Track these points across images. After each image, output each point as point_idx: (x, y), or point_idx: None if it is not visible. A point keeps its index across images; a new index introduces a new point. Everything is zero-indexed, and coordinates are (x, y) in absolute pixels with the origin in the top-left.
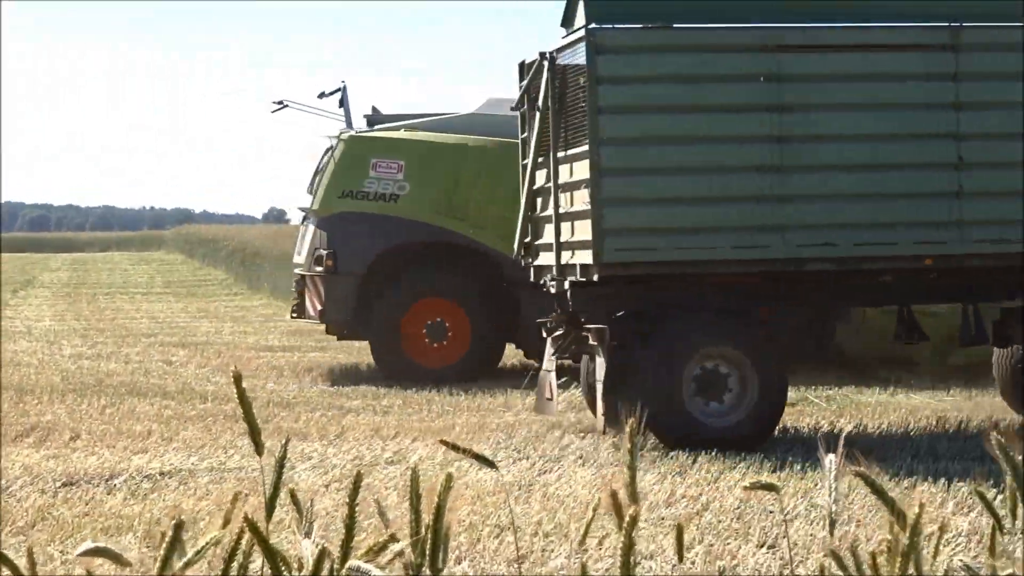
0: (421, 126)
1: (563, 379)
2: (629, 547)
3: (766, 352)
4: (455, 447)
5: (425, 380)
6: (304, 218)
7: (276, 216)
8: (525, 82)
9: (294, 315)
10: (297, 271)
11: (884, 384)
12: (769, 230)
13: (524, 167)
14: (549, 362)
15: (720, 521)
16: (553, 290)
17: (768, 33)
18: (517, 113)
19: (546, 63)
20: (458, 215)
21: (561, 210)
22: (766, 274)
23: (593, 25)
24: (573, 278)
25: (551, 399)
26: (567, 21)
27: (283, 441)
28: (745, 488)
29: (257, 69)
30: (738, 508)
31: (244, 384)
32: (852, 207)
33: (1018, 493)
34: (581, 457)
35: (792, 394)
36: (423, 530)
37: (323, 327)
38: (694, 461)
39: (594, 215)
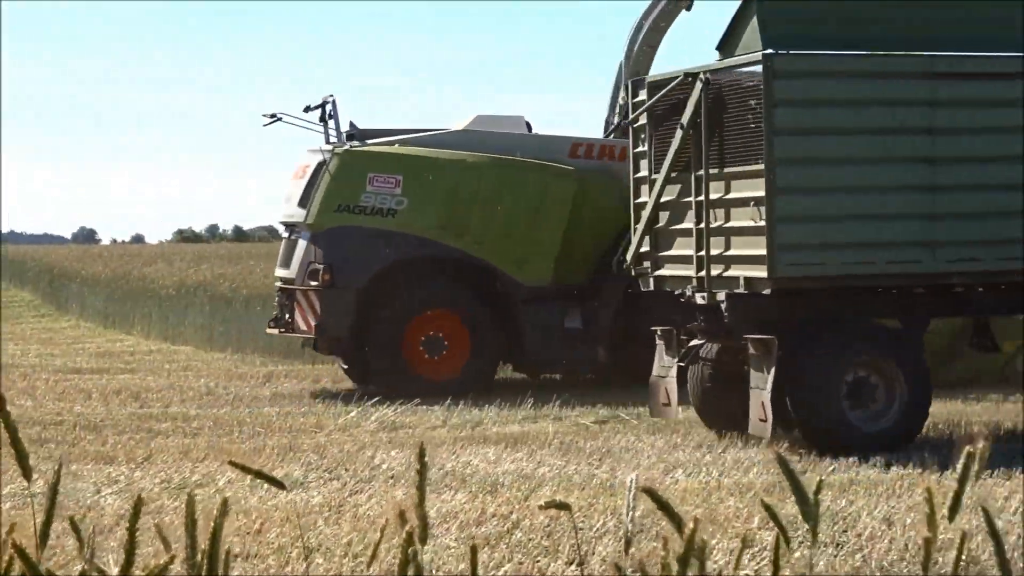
0: (412, 142)
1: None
2: (405, 564)
3: (915, 360)
4: (243, 468)
5: (426, 394)
6: (291, 232)
7: (85, 236)
8: (647, 100)
9: (272, 327)
10: (279, 284)
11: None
12: (921, 246)
13: (635, 181)
14: (663, 368)
15: (530, 539)
16: (701, 301)
17: (925, 60)
18: (506, 131)
19: (700, 83)
20: (457, 230)
21: (713, 225)
22: (917, 287)
23: (770, 51)
24: (729, 291)
25: (669, 404)
26: (725, 46)
27: (56, 467)
28: (540, 506)
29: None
30: (548, 526)
31: (50, 407)
32: (997, 224)
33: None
34: (392, 477)
35: (603, 411)
36: (199, 555)
37: (302, 338)
38: (499, 484)
39: (768, 231)
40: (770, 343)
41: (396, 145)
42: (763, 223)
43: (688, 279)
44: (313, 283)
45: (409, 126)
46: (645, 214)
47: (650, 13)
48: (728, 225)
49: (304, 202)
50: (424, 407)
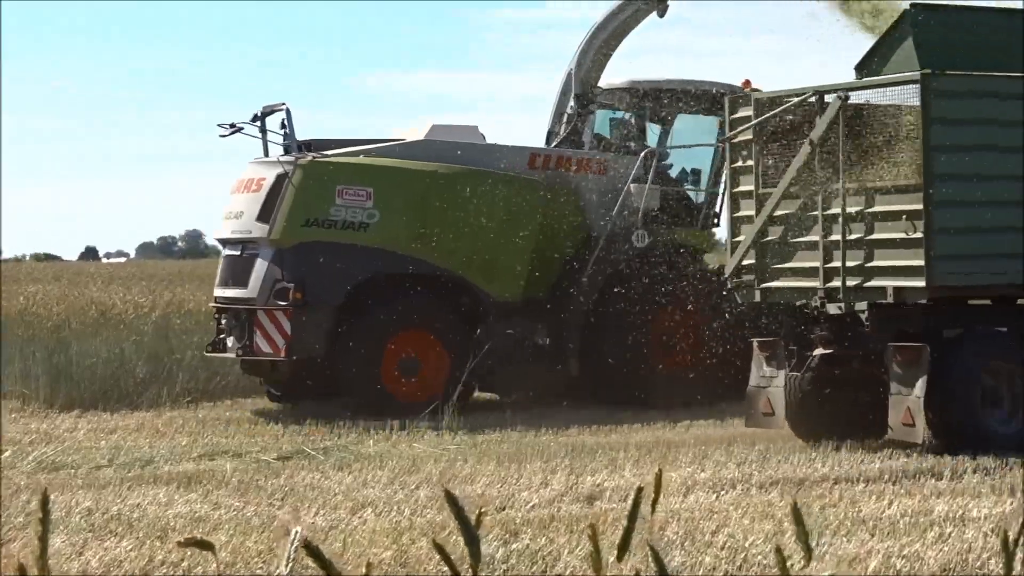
0: (371, 152)
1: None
2: None
3: None
4: None
5: (404, 414)
6: (243, 248)
7: None
8: (754, 116)
9: (211, 351)
10: (219, 304)
11: (389, 430)
12: None
13: (734, 196)
14: (764, 378)
15: None
16: (836, 311)
17: None
18: (465, 140)
19: (838, 101)
20: (430, 244)
21: (851, 237)
22: None
23: (928, 71)
24: (871, 301)
25: (772, 414)
26: (865, 66)
27: None
28: (179, 544)
29: None
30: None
31: None
32: None
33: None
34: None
35: (287, 445)
36: None
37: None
38: (170, 528)
39: (926, 243)
40: (921, 351)
41: (361, 156)
42: (918, 235)
43: (809, 290)
44: (281, 302)
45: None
46: (752, 228)
47: (615, 17)
48: (871, 237)
49: (265, 216)
50: (89, 445)
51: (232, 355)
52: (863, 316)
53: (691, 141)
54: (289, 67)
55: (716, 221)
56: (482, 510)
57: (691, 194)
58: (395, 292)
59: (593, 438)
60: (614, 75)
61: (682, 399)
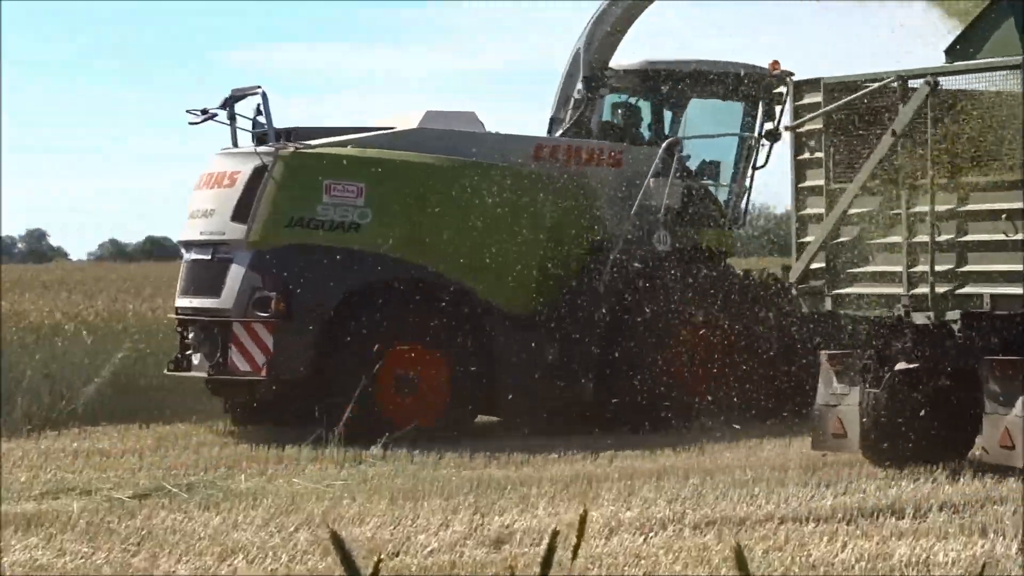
0: (360, 142)
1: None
2: None
3: None
4: None
5: (402, 440)
6: (213, 252)
7: None
8: (824, 102)
9: (172, 369)
10: (181, 316)
11: (264, 466)
12: None
13: (800, 192)
14: (835, 396)
15: None
16: (924, 321)
17: None
18: (463, 129)
19: (927, 87)
20: (429, 248)
21: (940, 238)
22: None
23: None
24: (965, 310)
25: (844, 435)
26: (956, 50)
27: None
28: None
29: None
30: None
31: None
32: None
33: None
34: None
35: (144, 480)
36: None
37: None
38: None
39: None
40: (1021, 365)
41: (349, 147)
42: (1018, 237)
43: (891, 298)
44: (262, 314)
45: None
46: (822, 228)
47: None
48: (964, 239)
49: (241, 215)
50: None
51: (200, 374)
52: (955, 327)
53: (710, 129)
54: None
55: (742, 220)
56: (380, 557)
57: (712, 190)
58: (390, 302)
59: (502, 471)
60: (626, 56)
61: (717, 422)
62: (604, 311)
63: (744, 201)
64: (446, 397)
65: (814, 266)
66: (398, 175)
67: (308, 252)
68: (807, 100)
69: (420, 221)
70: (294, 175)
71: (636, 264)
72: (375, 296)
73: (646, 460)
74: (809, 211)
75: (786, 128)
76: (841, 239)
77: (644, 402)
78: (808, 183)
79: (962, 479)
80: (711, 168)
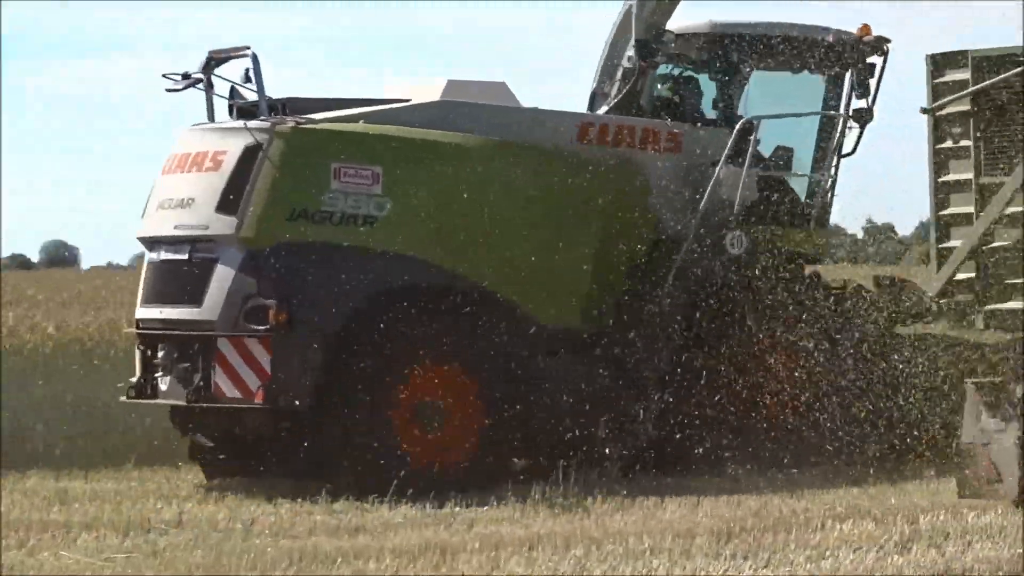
0: (372, 117)
1: None
2: None
3: None
4: None
5: (426, 487)
6: (191, 250)
7: None
8: (973, 80)
9: (133, 396)
10: (141, 330)
11: (25, 534)
12: None
13: (940, 187)
14: (984, 433)
15: None
16: None
17: None
18: (493, 103)
19: None
20: (458, 246)
21: None
22: None
23: None
24: None
25: (998, 479)
26: None
27: None
28: None
29: None
30: None
31: None
32: None
33: None
34: None
35: None
36: None
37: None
38: None
39: None
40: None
41: (360, 122)
42: None
43: None
44: (257, 327)
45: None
46: (972, 231)
47: None
48: None
49: (230, 206)
50: None
51: (174, 401)
52: None
53: (784, 107)
54: None
55: (827, 218)
56: None
57: (788, 182)
58: (415, 315)
59: (331, 540)
60: (687, 17)
61: (807, 461)
62: (668, 330)
63: (830, 195)
64: (477, 434)
65: (960, 276)
66: (424, 157)
67: (313, 251)
68: (949, 77)
69: (450, 214)
70: (296, 156)
71: (707, 272)
72: (395, 306)
73: (515, 525)
74: (953, 211)
75: (923, 111)
76: (996, 243)
77: (720, 439)
78: (951, 177)
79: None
80: (784, 155)
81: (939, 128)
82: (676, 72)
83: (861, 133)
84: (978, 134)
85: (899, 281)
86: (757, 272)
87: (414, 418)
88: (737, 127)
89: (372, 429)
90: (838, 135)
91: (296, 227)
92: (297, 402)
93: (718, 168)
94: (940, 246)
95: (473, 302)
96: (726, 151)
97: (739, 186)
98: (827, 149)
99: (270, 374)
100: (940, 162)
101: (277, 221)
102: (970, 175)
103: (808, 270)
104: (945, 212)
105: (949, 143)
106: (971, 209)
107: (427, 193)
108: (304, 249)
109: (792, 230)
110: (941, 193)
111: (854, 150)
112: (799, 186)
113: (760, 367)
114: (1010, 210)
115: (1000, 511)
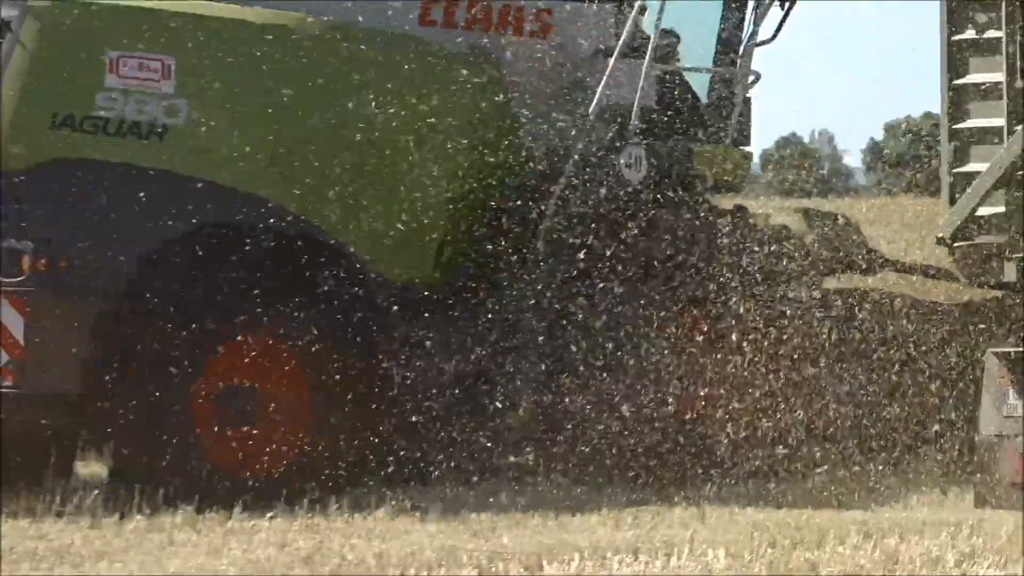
0: None
1: None
2: None
3: None
4: None
5: (226, 497)
6: None
7: None
8: None
9: None
10: None
11: None
12: None
13: (956, 92)
14: (1011, 421)
15: None
16: None
17: None
18: None
19: None
20: (279, 170)
21: None
22: None
23: None
24: None
25: None
26: None
27: None
28: None
29: None
30: None
31: None
32: None
33: None
34: None
35: None
36: None
37: None
38: None
39: None
40: None
41: None
42: None
43: None
44: (6, 279)
45: None
46: (1001, 156)
47: None
48: None
49: None
50: None
51: None
52: None
53: None
54: None
55: (750, 131)
56: None
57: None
58: (224, 268)
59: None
60: None
61: (732, 469)
62: (550, 289)
63: (744, 98)
64: (305, 427)
65: (984, 212)
66: (229, 42)
67: (84, 173)
68: None
69: (266, 124)
70: (58, 41)
71: (598, 205)
72: (195, 254)
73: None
74: (974, 123)
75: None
76: None
77: (614, 438)
78: (971, 79)
79: None
80: (669, 44)
81: (956, 14)
82: None
83: (788, 11)
84: (1013, 24)
85: (837, 219)
86: (663, 204)
87: (220, 407)
88: (636, 7)
89: (164, 422)
90: (752, 15)
91: (59, 140)
92: (63, 386)
93: (612, 60)
94: (956, 171)
95: (298, 248)
96: (623, 37)
97: (638, 86)
98: (735, 36)
99: (25, 346)
100: (956, 59)
101: (33, 132)
102: (999, 76)
103: (725, 202)
104: (962, 125)
105: (970, 33)
106: (1000, 121)
107: (235, 94)
108: (70, 170)
109: (707, 147)
110: (957, 100)
111: (775, 36)
112: (700, 87)
113: (670, 338)
114: None
115: None
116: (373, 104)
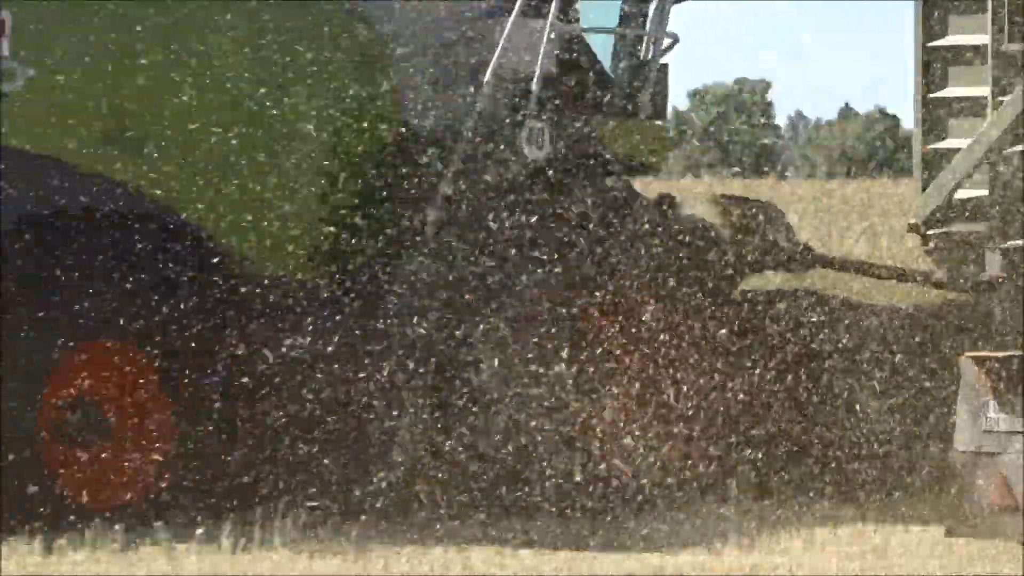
0: None
1: None
2: None
3: None
4: None
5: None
6: None
7: None
8: None
9: None
10: None
11: None
12: None
13: (931, 55)
14: (991, 435)
15: None
16: None
17: None
18: None
19: None
20: (132, 147)
21: None
22: None
23: None
24: None
25: (1016, 506)
26: None
27: None
28: None
29: None
30: None
31: None
32: None
33: None
34: None
35: None
36: None
37: None
38: None
39: None
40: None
41: None
42: None
43: None
44: None
45: None
46: (986, 132)
47: None
48: None
49: None
50: None
51: None
52: None
53: None
54: None
55: (666, 103)
56: None
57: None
58: (59, 257)
59: None
60: None
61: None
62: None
63: (658, 62)
64: (169, 447)
65: (962, 195)
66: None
67: None
68: None
69: (127, 95)
70: None
71: (495, 189)
72: (32, 244)
73: None
74: (950, 92)
75: None
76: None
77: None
78: (949, 40)
79: None
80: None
81: None
82: None
83: None
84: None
85: (759, 207)
86: (572, 188)
87: (66, 426)
88: None
89: (15, 443)
90: None
91: None
92: None
93: (510, 19)
94: (930, 147)
95: (156, 239)
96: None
97: (540, 50)
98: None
99: None
100: (931, 17)
101: None
102: (984, 39)
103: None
104: (939, 95)
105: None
106: (984, 90)
107: (86, 55)
108: None
109: (622, 122)
110: (932, 66)
111: None
112: (603, 52)
113: (583, 344)
114: None
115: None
116: (235, 74)
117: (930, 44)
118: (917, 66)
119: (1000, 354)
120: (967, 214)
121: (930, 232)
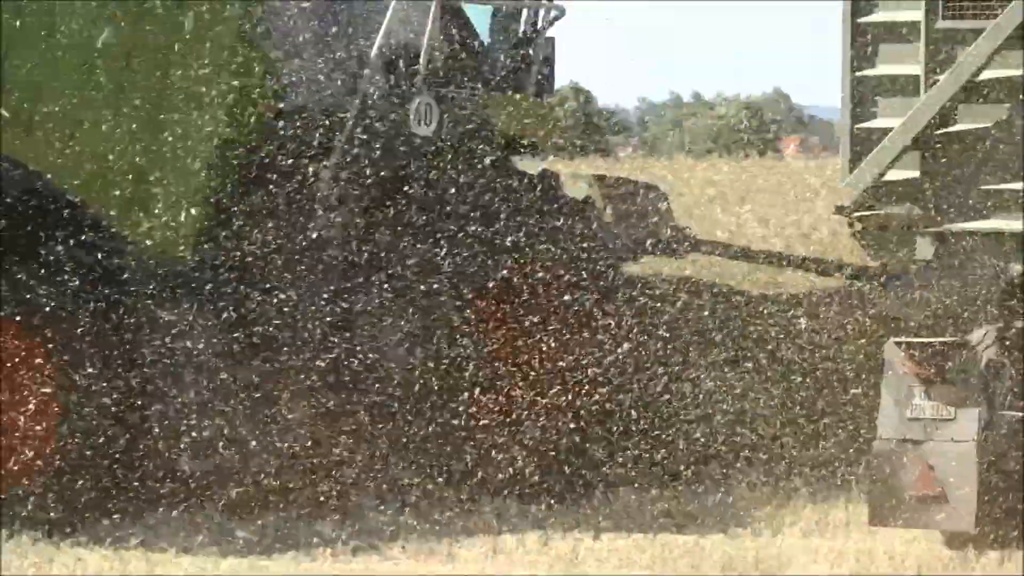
0: None
1: None
2: None
3: None
4: None
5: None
6: None
7: None
8: None
9: None
10: None
11: None
12: None
13: (861, 31)
14: (916, 424)
15: None
16: None
17: None
18: None
19: None
20: (25, 125)
21: None
22: None
23: None
24: None
25: (942, 498)
26: None
27: None
28: None
29: None
30: None
31: None
32: None
33: None
34: None
35: None
36: None
37: None
38: None
39: None
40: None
41: None
42: None
43: None
44: None
45: None
46: (918, 113)
47: None
48: None
49: None
50: None
51: None
52: None
53: None
54: None
55: (553, 79)
56: None
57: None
58: None
59: None
60: None
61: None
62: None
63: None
64: (52, 439)
65: (893, 177)
66: None
67: None
68: None
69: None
70: None
71: (384, 167)
72: None
73: None
74: (882, 70)
75: None
76: (963, 126)
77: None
78: (879, 17)
79: None
80: None
81: None
82: None
83: None
84: None
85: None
86: (460, 166)
87: None
88: None
89: None
90: None
91: None
92: None
93: None
94: (859, 126)
95: (38, 214)
96: None
97: (428, 22)
98: None
99: None
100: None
101: None
102: (916, 15)
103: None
104: (869, 72)
105: None
106: (916, 69)
107: None
108: None
109: (508, 98)
110: (861, 42)
111: None
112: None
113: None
114: (986, 75)
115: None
116: (117, 63)
117: (860, 20)
118: (844, 44)
119: (927, 340)
120: (896, 197)
121: (857, 215)
